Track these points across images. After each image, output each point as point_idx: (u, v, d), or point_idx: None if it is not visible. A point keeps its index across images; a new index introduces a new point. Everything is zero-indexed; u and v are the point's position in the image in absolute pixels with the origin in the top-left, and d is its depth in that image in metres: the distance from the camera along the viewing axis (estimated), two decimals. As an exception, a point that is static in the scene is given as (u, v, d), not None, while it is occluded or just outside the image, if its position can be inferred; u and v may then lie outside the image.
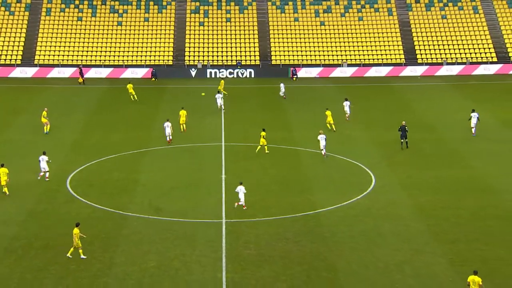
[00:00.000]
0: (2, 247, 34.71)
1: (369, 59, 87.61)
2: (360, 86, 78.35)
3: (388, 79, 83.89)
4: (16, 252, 34.21)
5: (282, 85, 71.35)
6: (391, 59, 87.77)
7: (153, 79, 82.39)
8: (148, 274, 32.06)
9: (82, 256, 33.16)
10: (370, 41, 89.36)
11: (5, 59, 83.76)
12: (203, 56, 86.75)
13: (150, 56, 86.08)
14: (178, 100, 71.17)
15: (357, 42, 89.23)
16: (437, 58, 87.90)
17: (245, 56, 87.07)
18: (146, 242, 35.54)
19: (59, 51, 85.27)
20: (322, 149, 49.24)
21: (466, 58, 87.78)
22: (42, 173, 45.22)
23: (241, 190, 39.94)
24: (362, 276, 32.08)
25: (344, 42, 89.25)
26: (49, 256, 33.80)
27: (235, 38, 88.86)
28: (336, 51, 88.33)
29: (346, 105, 61.65)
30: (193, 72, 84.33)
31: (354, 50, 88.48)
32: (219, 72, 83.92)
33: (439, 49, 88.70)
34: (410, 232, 37.06)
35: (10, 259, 33.43)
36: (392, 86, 79.81)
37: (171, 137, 53.51)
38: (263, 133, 51.33)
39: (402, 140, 52.58)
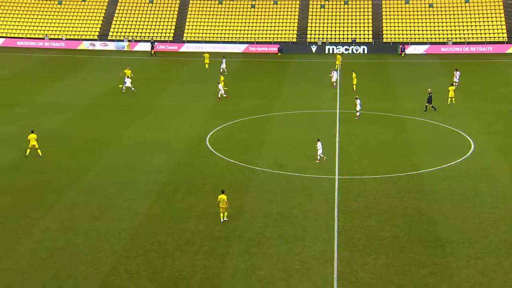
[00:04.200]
0: (156, 191, 36.29)
1: (473, 38, 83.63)
2: (463, 62, 75.08)
3: (489, 56, 79.85)
4: (166, 195, 35.71)
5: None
6: (494, 37, 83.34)
7: (279, 54, 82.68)
8: (271, 219, 32.62)
9: (225, 219, 32.10)
10: (475, 21, 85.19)
11: (160, 37, 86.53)
12: (323, 34, 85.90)
13: (277, 34, 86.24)
14: (301, 72, 71.19)
15: (463, 22, 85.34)
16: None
17: (360, 34, 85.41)
18: (270, 193, 36.12)
19: (203, 29, 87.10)
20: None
21: None
22: (125, 88, 58.26)
23: (319, 146, 40.44)
24: (459, 229, 31.25)
25: (450, 22, 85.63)
26: (192, 199, 35.05)
27: (351, 19, 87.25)
28: (442, 30, 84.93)
29: (456, 74, 60.96)
30: (314, 48, 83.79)
31: (459, 29, 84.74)
32: (336, 49, 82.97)
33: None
34: (506, 193, 35.60)
35: (162, 201, 34.96)
36: (493, 63, 75.94)
37: (224, 95, 56.60)
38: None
39: (426, 105, 52.29)
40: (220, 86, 57.10)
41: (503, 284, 26.43)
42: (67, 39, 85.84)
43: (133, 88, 59.60)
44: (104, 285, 26.48)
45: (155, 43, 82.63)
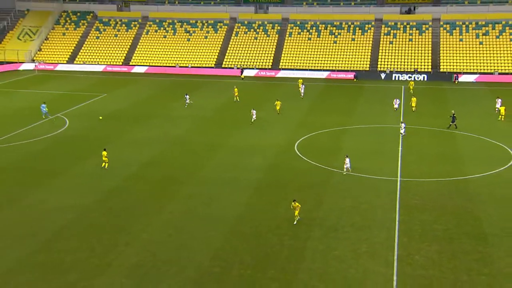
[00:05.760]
0: (253, 186, 36.67)
1: (517, 68, 78.84)
2: (508, 89, 70.84)
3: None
4: (262, 190, 35.99)
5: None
6: (536, 68, 78.07)
7: (355, 80, 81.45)
8: (345, 211, 32.28)
9: (298, 218, 30.45)
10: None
11: (260, 65, 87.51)
12: (390, 64, 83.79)
13: (353, 63, 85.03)
14: (372, 94, 69.74)
15: (508, 56, 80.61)
16: None
17: (421, 65, 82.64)
18: (344, 190, 35.72)
19: (295, 59, 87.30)
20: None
21: None
22: (188, 102, 59.44)
23: (348, 161, 38.30)
24: (500, 225, 29.75)
25: (497, 56, 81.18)
26: (282, 193, 35.19)
27: (414, 52, 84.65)
28: (490, 63, 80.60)
29: (498, 101, 57.06)
30: (383, 76, 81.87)
31: (505, 62, 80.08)
32: (401, 76, 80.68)
33: None
34: (542, 199, 33.30)
35: (258, 194, 35.31)
36: (535, 89, 71.09)
37: (255, 118, 52.36)
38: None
39: (450, 124, 49.77)
40: (254, 111, 53.57)
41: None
42: (192, 67, 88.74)
43: (191, 102, 61.40)
44: (214, 257, 27.19)
45: (243, 69, 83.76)
